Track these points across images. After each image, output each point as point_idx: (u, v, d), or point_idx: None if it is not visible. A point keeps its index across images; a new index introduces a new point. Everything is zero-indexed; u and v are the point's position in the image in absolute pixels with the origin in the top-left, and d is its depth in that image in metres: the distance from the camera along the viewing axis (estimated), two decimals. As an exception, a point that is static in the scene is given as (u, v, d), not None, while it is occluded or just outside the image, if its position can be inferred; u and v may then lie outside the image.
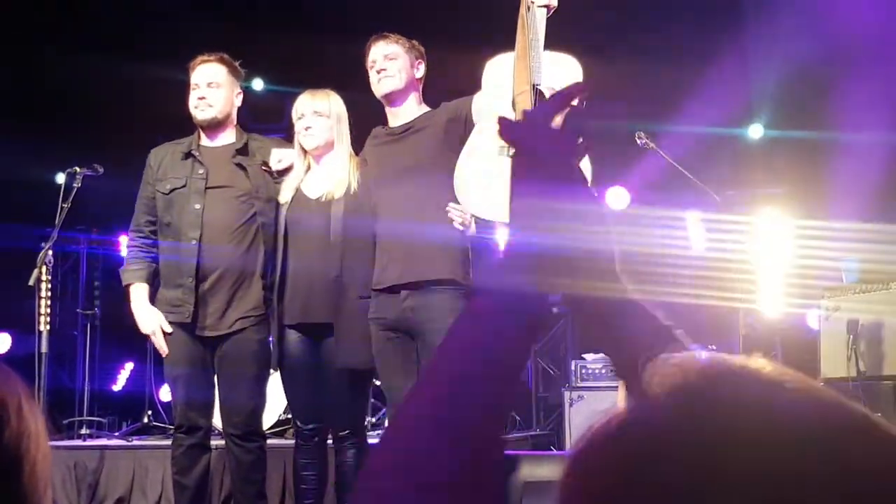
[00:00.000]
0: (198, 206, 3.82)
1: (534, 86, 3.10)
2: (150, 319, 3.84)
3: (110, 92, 6.84)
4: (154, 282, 3.93)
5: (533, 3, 3.19)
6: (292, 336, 3.81)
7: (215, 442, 4.34)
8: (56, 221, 4.43)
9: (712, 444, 0.56)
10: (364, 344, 3.63)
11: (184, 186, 3.87)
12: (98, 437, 6.21)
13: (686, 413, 0.58)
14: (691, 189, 4.75)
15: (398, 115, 3.75)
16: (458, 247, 3.55)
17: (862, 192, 5.97)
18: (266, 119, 7.88)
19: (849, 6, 6.02)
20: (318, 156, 3.84)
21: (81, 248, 7.44)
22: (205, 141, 3.99)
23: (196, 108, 3.94)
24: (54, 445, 5.47)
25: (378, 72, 3.70)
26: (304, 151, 3.86)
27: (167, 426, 6.27)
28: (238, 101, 4.05)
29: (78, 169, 4.56)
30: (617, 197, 7.19)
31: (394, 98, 3.72)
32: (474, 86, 3.50)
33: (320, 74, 7.33)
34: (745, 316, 5.41)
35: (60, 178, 4.70)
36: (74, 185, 4.52)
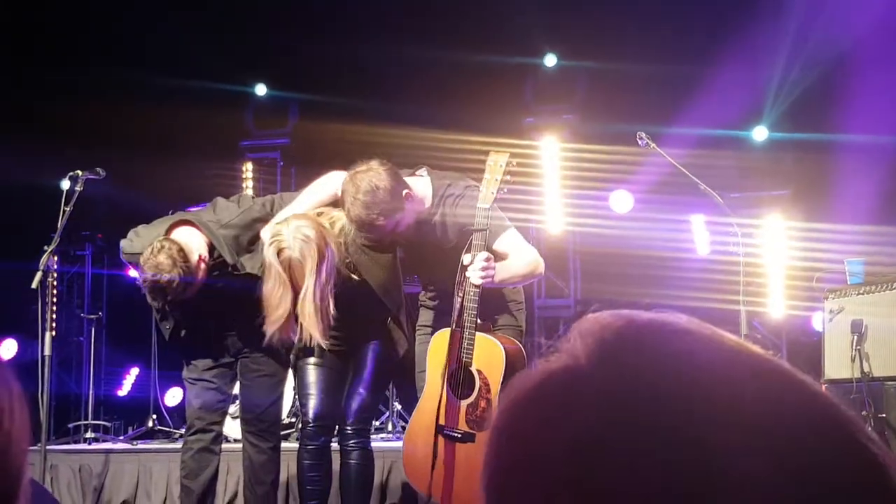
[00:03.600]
0: None
1: (460, 366, 3.34)
2: None
3: (114, 99, 6.86)
4: None
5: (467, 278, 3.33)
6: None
7: (225, 445, 4.35)
8: (59, 225, 4.43)
9: (629, 398, 0.58)
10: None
11: None
12: (103, 441, 6.22)
13: (606, 367, 0.61)
14: (696, 192, 4.74)
15: None
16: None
17: (866, 195, 5.96)
18: (270, 125, 7.92)
19: (855, 12, 6.01)
20: None
21: (87, 252, 7.46)
22: None
23: None
24: (60, 449, 5.50)
25: None
26: None
27: (172, 430, 6.28)
28: None
29: (80, 172, 4.57)
30: (621, 200, 7.18)
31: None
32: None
33: (323, 80, 7.36)
34: (750, 318, 5.40)
35: (66, 184, 4.70)
36: (77, 188, 4.52)
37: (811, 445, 0.58)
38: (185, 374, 3.94)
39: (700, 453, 0.56)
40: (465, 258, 3.34)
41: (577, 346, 0.63)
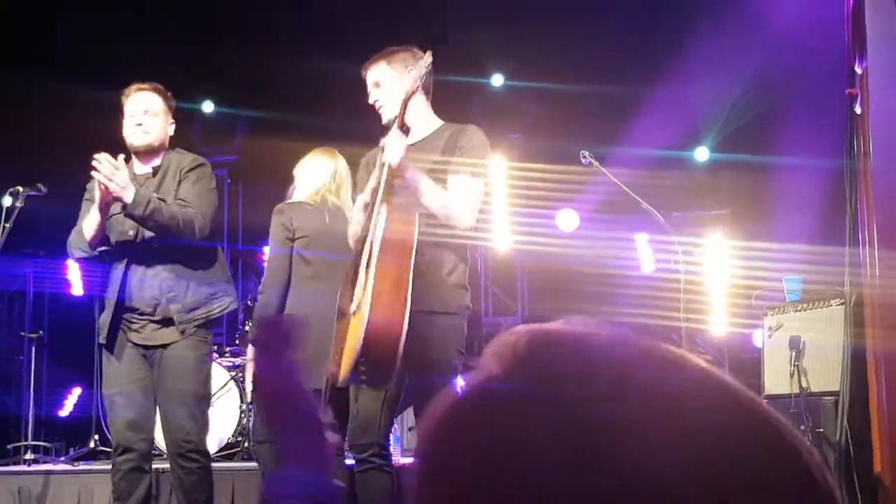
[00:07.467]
0: (131, 233, 3.84)
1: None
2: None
3: (57, 112, 6.75)
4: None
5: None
6: None
7: (160, 465, 4.29)
8: (-2, 242, 4.37)
9: (537, 407, 0.59)
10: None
11: (119, 213, 3.87)
12: (44, 462, 6.09)
13: (516, 378, 0.62)
14: (640, 210, 4.83)
15: (411, 133, 3.55)
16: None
17: (804, 215, 6.11)
18: (216, 141, 7.87)
19: (792, 33, 6.17)
20: None
21: (27, 269, 7.32)
22: (137, 168, 4.00)
23: (133, 134, 3.95)
24: (-2, 471, 5.37)
25: (373, 103, 3.58)
26: None
27: (114, 451, 6.17)
28: (171, 131, 4.08)
29: (21, 188, 4.51)
30: (567, 219, 7.27)
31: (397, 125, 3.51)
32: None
33: (270, 96, 7.34)
34: (693, 335, 5.50)
35: (6, 200, 4.63)
36: (17, 204, 4.46)
37: (729, 438, 0.58)
38: (104, 390, 3.88)
39: (606, 456, 0.56)
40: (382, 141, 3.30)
41: (491, 361, 0.65)
